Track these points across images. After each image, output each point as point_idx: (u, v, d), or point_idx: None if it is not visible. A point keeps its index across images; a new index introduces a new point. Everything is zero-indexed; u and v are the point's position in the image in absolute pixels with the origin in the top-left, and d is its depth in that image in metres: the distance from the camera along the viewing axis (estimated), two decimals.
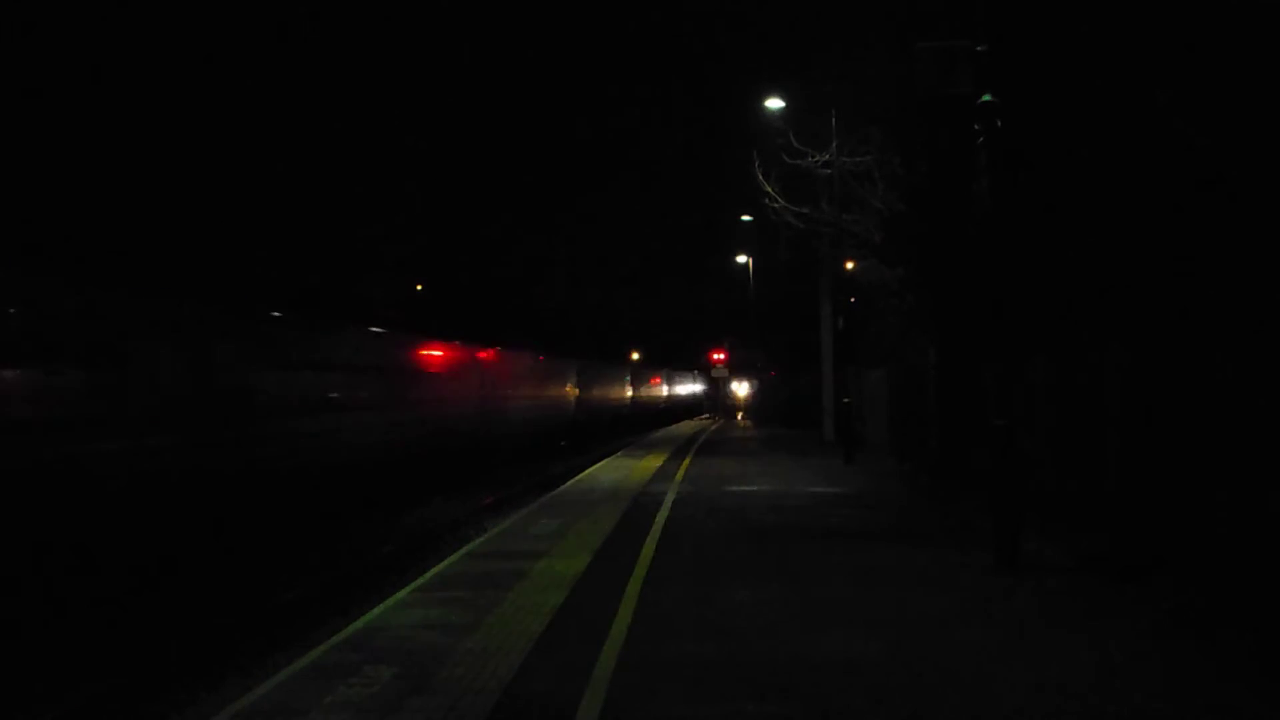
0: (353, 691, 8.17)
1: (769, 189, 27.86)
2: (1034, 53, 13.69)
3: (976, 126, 12.86)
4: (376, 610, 11.13)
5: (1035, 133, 13.62)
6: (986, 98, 12.70)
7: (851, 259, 29.47)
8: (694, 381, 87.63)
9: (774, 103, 29.09)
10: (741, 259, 60.52)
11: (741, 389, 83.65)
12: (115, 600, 14.55)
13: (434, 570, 13.48)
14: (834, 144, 26.18)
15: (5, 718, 10.59)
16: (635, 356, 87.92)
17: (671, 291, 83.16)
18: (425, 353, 31.18)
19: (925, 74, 13.22)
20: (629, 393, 71.81)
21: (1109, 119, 12.85)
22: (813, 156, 26.62)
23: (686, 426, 59.28)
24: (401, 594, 11.97)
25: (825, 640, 9.48)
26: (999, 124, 12.70)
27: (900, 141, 21.27)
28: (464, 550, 15.14)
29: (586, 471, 28.82)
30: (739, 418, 63.60)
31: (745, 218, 41.09)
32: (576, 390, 53.08)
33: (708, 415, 70.44)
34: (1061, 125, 13.59)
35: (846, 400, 30.77)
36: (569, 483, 25.42)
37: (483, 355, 36.53)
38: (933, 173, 17.80)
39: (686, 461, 30.41)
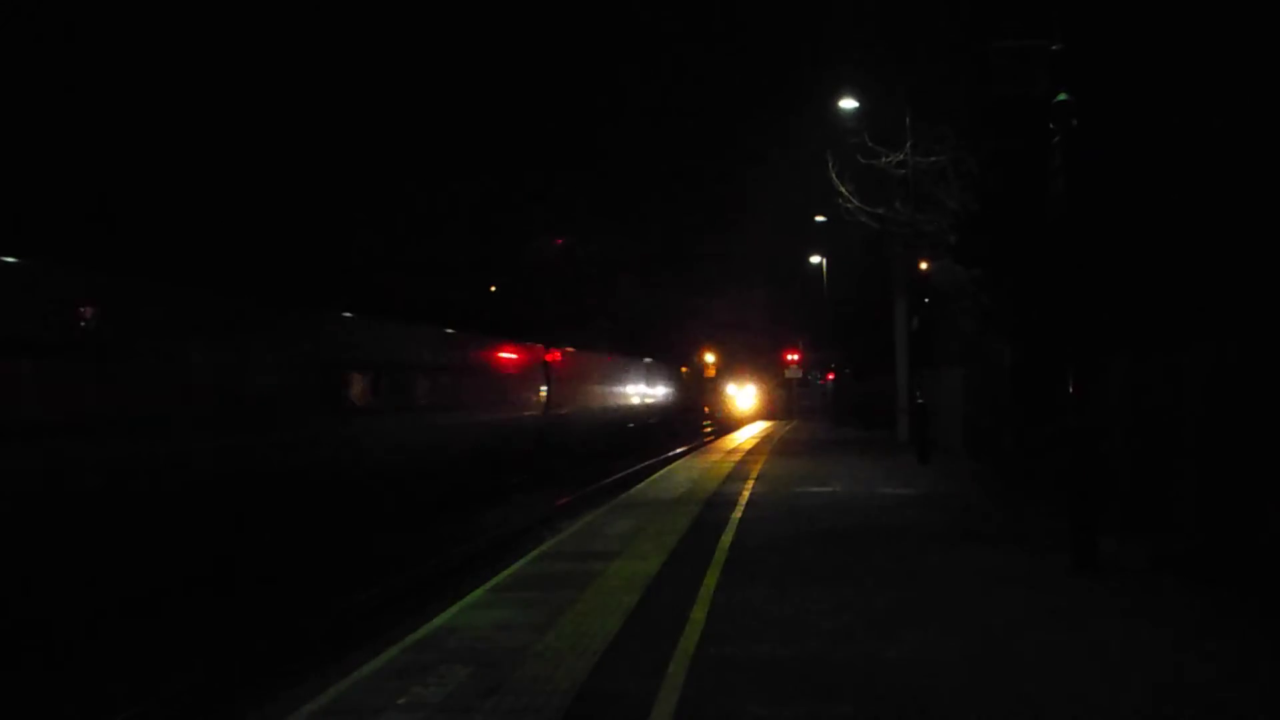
0: (428, 691, 8.27)
1: (843, 189, 27.74)
2: (1112, 51, 13.52)
3: (1052, 126, 12.74)
4: (452, 610, 11.24)
5: (1114, 134, 13.45)
6: (1062, 97, 12.59)
7: (926, 259, 29.26)
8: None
9: (848, 103, 28.93)
10: (815, 260, 60.25)
11: (743, 394, 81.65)
12: (189, 598, 14.89)
13: (509, 570, 13.58)
14: (908, 144, 26.00)
15: (95, 714, 10.87)
16: (710, 357, 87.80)
17: (742, 292, 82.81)
18: (500, 354, 31.39)
19: (999, 74, 13.14)
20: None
21: (1189, 120, 12.67)
22: (886, 156, 26.46)
23: (758, 428, 59.08)
24: (477, 594, 12.07)
25: (900, 643, 9.44)
26: (1075, 124, 12.58)
27: (973, 141, 21.09)
28: (539, 550, 15.24)
29: (660, 472, 28.87)
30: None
31: (819, 218, 40.95)
32: (657, 388, 53.31)
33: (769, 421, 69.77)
34: (1142, 126, 13.42)
35: (921, 401, 30.55)
36: (643, 483, 25.49)
37: (549, 357, 36.60)
38: (1007, 173, 17.62)
39: (760, 463, 30.34)
